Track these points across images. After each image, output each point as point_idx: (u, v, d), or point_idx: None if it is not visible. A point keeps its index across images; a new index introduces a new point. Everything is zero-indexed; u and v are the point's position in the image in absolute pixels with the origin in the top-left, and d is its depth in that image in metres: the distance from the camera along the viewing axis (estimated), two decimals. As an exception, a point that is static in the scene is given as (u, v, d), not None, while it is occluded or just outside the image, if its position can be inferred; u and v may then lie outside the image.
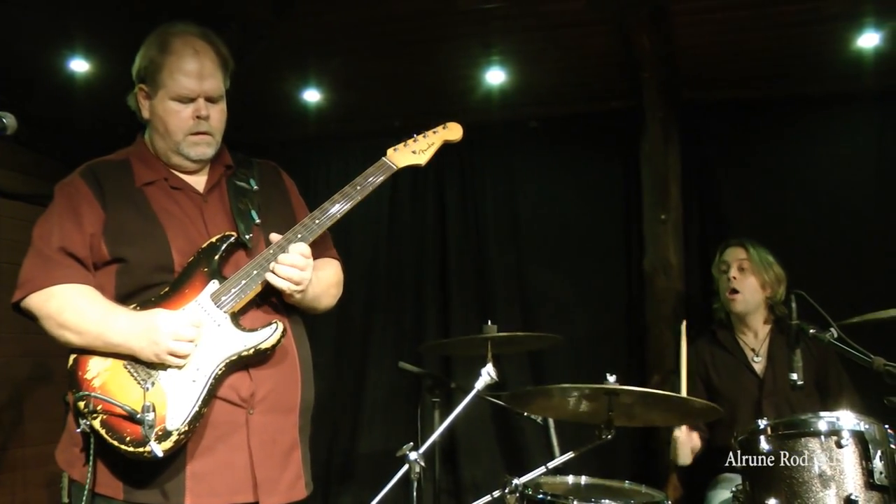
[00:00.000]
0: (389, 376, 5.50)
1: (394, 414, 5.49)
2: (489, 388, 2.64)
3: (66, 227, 2.37)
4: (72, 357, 2.33)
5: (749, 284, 3.89)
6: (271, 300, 2.48)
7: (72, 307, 2.30)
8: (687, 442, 3.66)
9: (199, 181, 2.55)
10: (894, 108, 4.90)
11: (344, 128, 5.75)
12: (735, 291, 3.91)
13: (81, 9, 4.01)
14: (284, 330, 2.38)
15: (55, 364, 5.32)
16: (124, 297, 2.36)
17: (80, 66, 4.62)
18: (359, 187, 2.51)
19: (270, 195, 2.62)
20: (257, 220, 2.50)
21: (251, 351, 2.33)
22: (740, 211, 5.07)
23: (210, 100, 2.48)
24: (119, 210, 2.41)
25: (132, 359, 2.28)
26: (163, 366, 2.27)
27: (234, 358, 2.32)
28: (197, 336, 2.29)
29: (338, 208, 2.48)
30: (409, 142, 2.66)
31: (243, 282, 2.37)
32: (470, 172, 5.61)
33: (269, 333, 2.34)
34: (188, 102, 2.45)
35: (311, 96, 5.30)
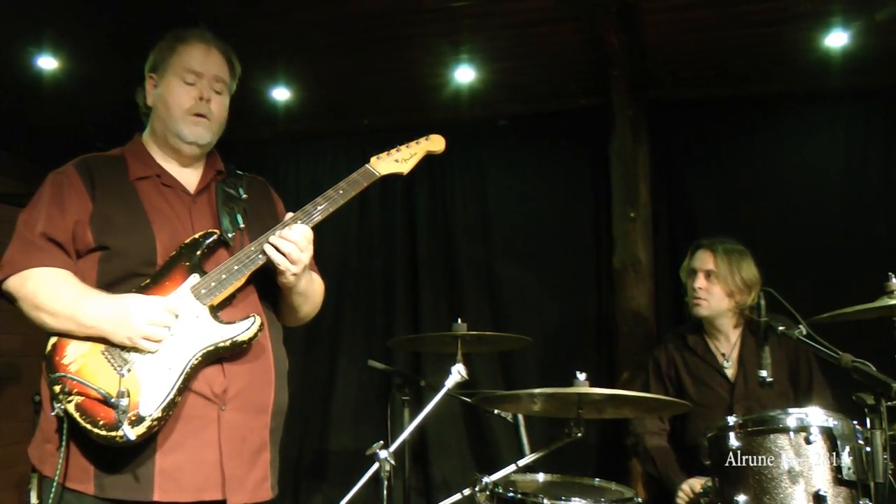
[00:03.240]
0: (359, 374, 5.49)
1: (364, 412, 5.47)
2: (459, 386, 2.66)
3: (51, 213, 2.41)
4: (50, 343, 2.34)
5: (715, 293, 3.81)
6: (251, 298, 2.52)
7: (47, 289, 2.34)
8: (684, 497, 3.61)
9: (190, 181, 2.61)
10: (862, 107, 4.94)
11: (314, 126, 5.74)
12: (700, 298, 3.85)
13: (49, 3, 3.95)
14: (262, 325, 2.42)
15: (24, 364, 5.24)
16: (106, 285, 2.38)
17: (47, 63, 4.54)
18: (341, 191, 2.57)
19: (258, 207, 2.67)
20: (241, 224, 2.55)
21: (228, 343, 2.36)
22: (709, 209, 5.09)
23: (214, 87, 2.58)
24: (108, 201, 2.46)
25: (109, 344, 2.30)
26: (139, 352, 2.30)
27: (210, 349, 2.34)
28: (171, 322, 2.32)
29: (319, 210, 2.52)
30: (393, 151, 2.74)
31: (223, 276, 2.41)
32: (439, 170, 5.60)
33: (246, 326, 2.38)
34: (192, 84, 2.55)
35: (281, 94, 5.27)
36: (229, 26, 4.26)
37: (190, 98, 2.55)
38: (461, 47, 4.74)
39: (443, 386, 2.64)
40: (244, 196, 2.62)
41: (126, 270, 2.39)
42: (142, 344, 2.28)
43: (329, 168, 5.72)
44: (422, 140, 2.82)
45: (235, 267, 2.42)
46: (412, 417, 2.99)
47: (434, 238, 5.59)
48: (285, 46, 4.69)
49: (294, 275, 2.48)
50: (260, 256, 2.45)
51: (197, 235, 2.47)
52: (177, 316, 2.33)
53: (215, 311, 2.40)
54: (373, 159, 2.70)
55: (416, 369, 5.31)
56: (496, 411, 3.82)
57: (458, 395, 3.95)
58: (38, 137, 5.26)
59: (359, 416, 5.49)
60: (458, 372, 2.62)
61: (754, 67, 4.92)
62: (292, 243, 2.43)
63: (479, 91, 5.15)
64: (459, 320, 3.71)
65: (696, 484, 3.50)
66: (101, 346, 2.31)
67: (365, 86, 5.26)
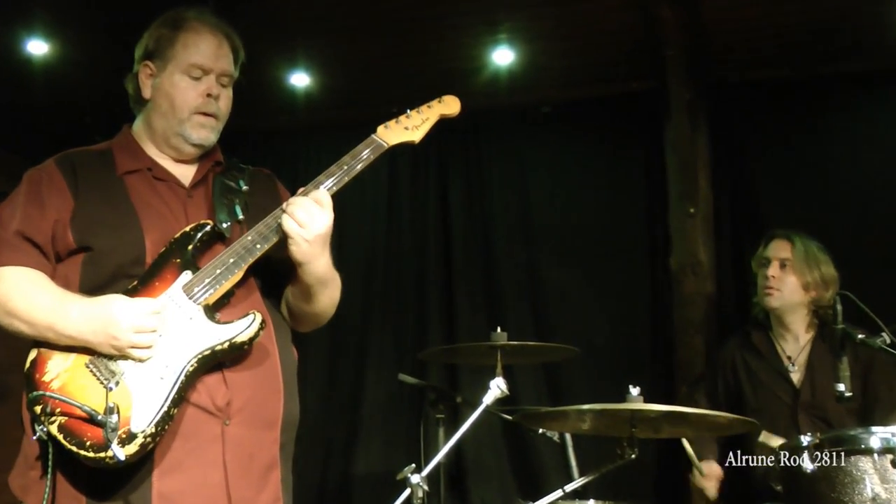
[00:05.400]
0: (388, 389, 5.47)
1: (393, 431, 5.46)
2: (499, 401, 2.62)
3: (28, 211, 2.39)
4: (29, 359, 2.32)
5: (789, 283, 3.85)
6: (253, 297, 2.47)
7: (20, 293, 2.32)
8: (710, 482, 3.68)
9: (185, 174, 2.58)
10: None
11: (336, 116, 5.73)
12: (772, 287, 3.88)
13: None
14: (263, 322, 2.36)
15: (13, 381, 5.27)
16: (90, 290, 2.35)
17: (38, 47, 4.58)
18: (345, 167, 2.49)
19: (260, 201, 2.60)
20: (240, 217, 2.50)
21: (226, 345, 2.31)
22: (777, 202, 5.05)
23: (221, 82, 2.55)
24: (92, 198, 2.43)
25: (95, 355, 2.28)
26: (128, 362, 2.27)
27: (206, 353, 2.29)
28: (159, 324, 2.28)
29: (325, 186, 2.45)
30: (402, 118, 2.65)
31: (218, 271, 2.36)
32: (476, 163, 5.59)
33: (245, 325, 2.33)
34: (198, 78, 2.52)
35: (300, 80, 5.28)
36: (242, 2, 4.27)
37: (197, 95, 2.51)
38: (499, 27, 4.74)
39: (481, 402, 2.60)
40: (244, 188, 2.58)
41: (112, 272, 2.37)
42: (130, 353, 2.26)
43: (354, 162, 5.72)
44: (434, 103, 2.70)
45: (231, 260, 2.37)
46: (447, 437, 2.99)
47: (470, 238, 5.57)
48: (304, 27, 4.70)
49: (308, 242, 2.38)
50: (258, 246, 2.39)
51: (188, 228, 2.43)
52: (161, 314, 2.30)
53: (211, 311, 2.35)
54: (380, 128, 2.61)
55: (452, 384, 5.28)
56: (541, 430, 3.82)
57: (499, 412, 3.93)
58: (27, 127, 5.29)
59: (388, 437, 5.48)
60: (497, 386, 2.59)
61: (825, 44, 4.86)
62: (313, 204, 2.37)
63: (519, 75, 5.14)
64: (499, 329, 3.69)
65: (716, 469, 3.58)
66: (86, 358, 2.28)
67: (393, 70, 5.26)
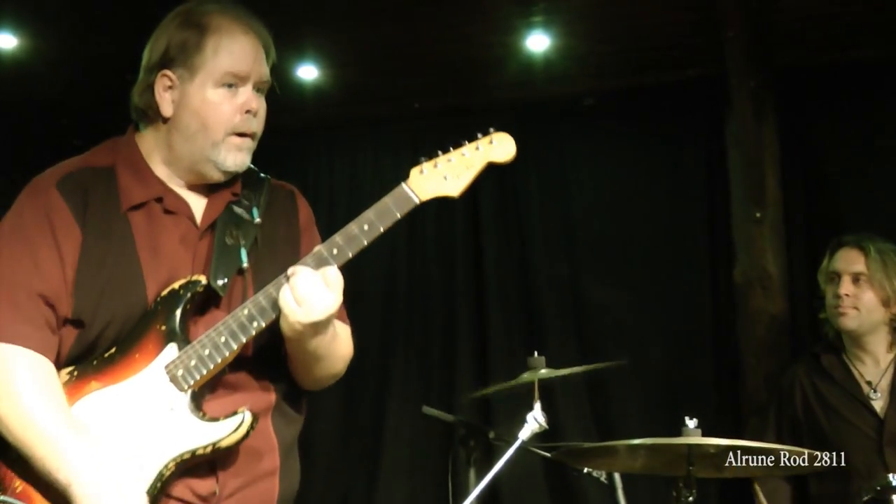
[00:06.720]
0: (413, 423, 5.47)
1: (419, 470, 5.48)
2: (538, 437, 2.60)
3: (46, 265, 2.30)
4: None
5: (866, 301, 3.80)
6: (248, 370, 2.40)
7: (15, 400, 2.23)
8: None
9: (199, 205, 2.47)
10: None
11: (350, 112, 5.77)
12: (846, 307, 3.83)
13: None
14: (253, 423, 2.29)
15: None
16: (74, 359, 2.32)
17: (6, 41, 4.61)
18: (366, 227, 2.36)
19: (275, 234, 2.52)
20: (244, 264, 2.40)
21: (208, 449, 2.26)
22: (858, 203, 5.01)
23: (258, 88, 2.41)
24: (95, 255, 2.34)
25: None
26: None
27: (185, 457, 2.26)
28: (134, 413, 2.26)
29: (335, 256, 2.34)
30: (441, 160, 2.45)
31: (207, 352, 2.28)
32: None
33: (233, 427, 2.26)
34: (234, 88, 2.37)
35: (308, 73, 5.31)
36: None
37: (234, 111, 2.36)
38: (533, 8, 4.75)
39: (517, 438, 2.58)
40: (257, 220, 2.46)
41: (97, 343, 2.31)
42: None
43: (371, 165, 5.75)
44: (482, 142, 2.47)
45: (222, 339, 2.28)
46: (479, 479, 2.99)
47: (504, 249, 5.58)
48: (312, 12, 4.71)
49: (302, 325, 2.30)
50: (254, 323, 2.30)
51: (177, 286, 2.33)
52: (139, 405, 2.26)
53: (197, 399, 2.29)
54: (413, 172, 2.44)
55: (484, 416, 5.29)
56: (586, 469, 3.79)
57: (537, 450, 3.91)
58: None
59: (414, 477, 5.50)
60: (535, 419, 2.57)
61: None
62: (318, 286, 2.26)
63: (556, 63, 5.13)
64: (536, 354, 3.69)
65: None
66: None
67: (413, 61, 5.28)
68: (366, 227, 2.35)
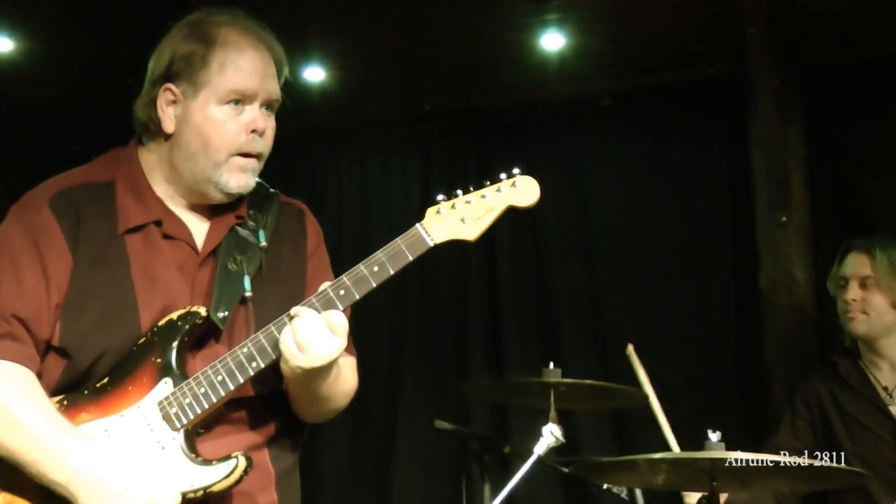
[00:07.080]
0: (425, 437, 5.47)
1: (432, 486, 5.49)
2: (554, 451, 2.61)
3: (29, 287, 2.30)
4: None
5: (875, 305, 3.82)
6: (247, 406, 2.38)
7: (3, 409, 2.24)
8: None
9: (201, 229, 2.45)
10: None
11: (359, 115, 5.77)
12: (854, 311, 3.86)
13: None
14: (247, 468, 2.27)
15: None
16: (64, 388, 2.31)
17: (3, 45, 4.62)
18: (376, 268, 2.32)
19: (280, 260, 2.50)
20: (248, 292, 2.38)
21: (199, 493, 2.24)
22: (890, 206, 4.99)
23: (267, 106, 2.38)
24: (89, 285, 2.33)
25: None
26: None
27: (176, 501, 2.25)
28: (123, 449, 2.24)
29: (342, 297, 2.30)
30: (460, 201, 2.41)
31: (202, 390, 2.27)
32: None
33: (225, 472, 2.25)
34: (240, 105, 2.34)
35: (314, 75, 5.32)
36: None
37: (239, 131, 2.33)
38: (547, 6, 4.74)
39: (532, 452, 2.58)
40: (262, 244, 2.45)
41: (90, 373, 2.30)
42: None
43: (380, 171, 5.72)
44: (504, 184, 2.42)
45: (219, 378, 2.27)
46: (494, 495, 2.99)
47: (519, 257, 5.58)
48: (318, 12, 4.72)
49: (302, 370, 2.28)
50: (253, 364, 2.28)
51: (175, 316, 2.31)
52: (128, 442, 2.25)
53: (190, 439, 2.28)
54: (429, 213, 2.39)
55: (500, 430, 5.30)
56: (605, 485, 3.81)
57: (554, 464, 3.91)
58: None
59: (427, 492, 5.51)
60: (551, 433, 2.60)
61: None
62: (311, 329, 2.24)
63: (572, 62, 5.14)
64: (552, 364, 3.67)
65: None
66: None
67: (423, 61, 5.28)
68: (376, 268, 2.31)
